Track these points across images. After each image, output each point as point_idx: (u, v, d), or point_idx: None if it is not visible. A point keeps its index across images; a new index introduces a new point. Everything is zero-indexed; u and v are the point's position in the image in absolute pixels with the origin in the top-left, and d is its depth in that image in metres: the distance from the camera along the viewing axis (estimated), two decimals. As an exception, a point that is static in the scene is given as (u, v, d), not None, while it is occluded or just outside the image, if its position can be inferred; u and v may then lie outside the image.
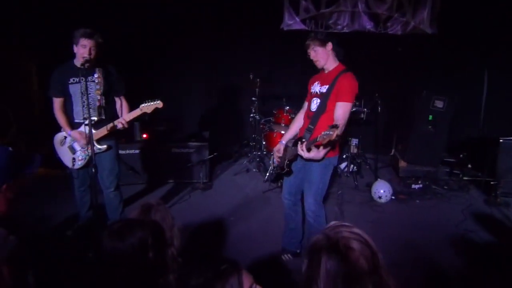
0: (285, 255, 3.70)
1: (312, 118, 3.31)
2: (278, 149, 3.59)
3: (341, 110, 3.15)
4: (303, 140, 3.18)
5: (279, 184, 5.57)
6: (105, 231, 1.71)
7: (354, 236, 1.40)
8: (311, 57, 3.31)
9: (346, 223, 1.48)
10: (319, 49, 3.25)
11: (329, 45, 3.26)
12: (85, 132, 3.63)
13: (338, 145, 3.34)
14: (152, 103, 3.65)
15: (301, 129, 3.52)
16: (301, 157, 3.14)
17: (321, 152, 3.05)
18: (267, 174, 5.86)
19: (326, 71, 3.35)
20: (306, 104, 3.55)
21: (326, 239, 1.40)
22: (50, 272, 2.98)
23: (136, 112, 3.71)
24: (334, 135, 2.64)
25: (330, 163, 3.31)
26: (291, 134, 3.62)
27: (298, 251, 3.73)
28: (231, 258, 3.59)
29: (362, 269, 1.34)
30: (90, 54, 3.51)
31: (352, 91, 3.18)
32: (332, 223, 1.50)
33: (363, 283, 1.33)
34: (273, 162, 3.79)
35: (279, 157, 3.60)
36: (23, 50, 6.59)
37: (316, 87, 3.36)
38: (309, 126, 3.30)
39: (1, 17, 5.92)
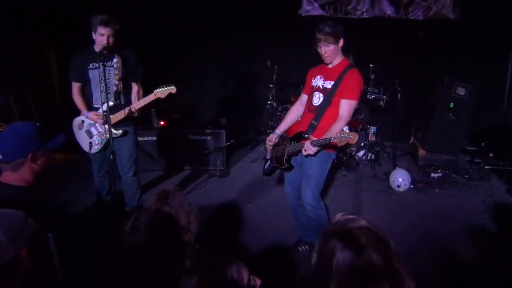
0: (302, 246, 3.67)
1: (316, 114, 3.23)
2: (271, 139, 3.49)
3: (347, 107, 3.11)
4: (306, 135, 3.13)
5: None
6: (121, 230, 1.72)
7: (364, 230, 1.35)
8: (322, 52, 3.17)
9: (353, 216, 1.43)
10: (332, 46, 3.12)
11: (341, 41, 3.17)
12: (102, 112, 3.64)
13: None
14: (166, 88, 3.65)
15: (300, 123, 3.44)
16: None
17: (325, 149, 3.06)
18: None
19: (331, 66, 3.26)
20: (304, 96, 3.47)
21: (336, 235, 1.35)
22: (69, 257, 3.02)
23: (150, 97, 3.71)
24: (355, 139, 2.67)
25: (329, 157, 3.27)
26: (286, 125, 3.54)
27: (313, 242, 3.69)
28: (245, 245, 3.61)
29: (376, 264, 1.29)
30: (108, 42, 3.53)
31: (359, 88, 3.15)
32: (338, 216, 1.45)
33: (378, 279, 1.30)
34: (267, 155, 3.65)
35: (272, 147, 3.52)
36: (42, 37, 6.65)
37: (319, 81, 3.28)
38: (312, 122, 3.22)
39: (17, 5, 5.97)
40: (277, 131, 3.51)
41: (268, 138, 3.54)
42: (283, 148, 3.39)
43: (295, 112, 3.55)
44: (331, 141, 2.79)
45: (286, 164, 3.36)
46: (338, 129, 2.99)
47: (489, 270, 3.37)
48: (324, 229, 1.44)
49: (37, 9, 6.24)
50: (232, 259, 1.70)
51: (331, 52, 3.14)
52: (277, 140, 3.47)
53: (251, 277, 1.84)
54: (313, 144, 2.96)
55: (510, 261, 3.44)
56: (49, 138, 2.11)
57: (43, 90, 6.74)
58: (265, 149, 6.38)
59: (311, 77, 3.40)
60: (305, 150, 3.02)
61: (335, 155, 3.37)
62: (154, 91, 3.68)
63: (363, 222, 1.38)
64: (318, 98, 3.25)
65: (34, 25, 6.39)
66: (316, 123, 3.20)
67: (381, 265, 1.29)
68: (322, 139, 2.93)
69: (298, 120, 3.56)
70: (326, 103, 3.18)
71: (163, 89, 3.66)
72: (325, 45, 3.11)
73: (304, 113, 3.43)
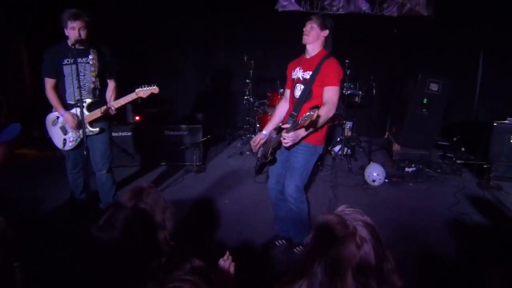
0: (279, 241, 3.67)
1: (296, 105, 3.27)
2: (255, 140, 3.45)
3: (330, 93, 3.14)
4: (286, 125, 3.13)
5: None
6: (93, 225, 1.68)
7: (370, 228, 1.39)
8: (304, 30, 3.23)
9: (360, 210, 1.47)
10: (316, 29, 3.19)
11: (326, 32, 3.23)
12: (77, 116, 3.56)
13: (324, 134, 3.34)
14: (148, 88, 3.58)
15: (285, 117, 3.44)
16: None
17: (301, 133, 3.06)
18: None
19: (308, 56, 3.31)
20: (287, 91, 3.51)
21: (342, 224, 1.38)
22: (41, 256, 2.96)
23: (132, 96, 3.62)
24: (315, 115, 2.64)
25: (316, 151, 3.30)
26: (273, 124, 3.50)
27: (291, 236, 3.68)
28: (222, 241, 3.60)
29: (370, 263, 1.34)
30: (80, 35, 3.44)
31: (338, 75, 3.18)
32: (344, 207, 1.49)
33: (369, 276, 1.33)
34: (258, 153, 3.60)
35: (258, 147, 3.50)
36: (13, 32, 6.46)
37: (299, 73, 3.31)
38: (292, 112, 3.25)
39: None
40: (264, 132, 3.49)
41: (252, 140, 3.50)
42: (268, 143, 3.43)
43: (281, 109, 3.54)
44: (298, 124, 2.84)
45: (270, 157, 3.36)
46: (323, 115, 2.98)
47: (462, 261, 3.45)
48: (327, 213, 1.46)
49: (6, 4, 6.05)
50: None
51: (312, 32, 3.21)
52: (263, 140, 3.46)
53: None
54: (287, 131, 3.00)
55: (482, 252, 3.54)
56: (1, 129, 2.01)
57: (13, 83, 6.56)
58: (242, 144, 6.41)
59: (291, 70, 3.43)
60: (283, 139, 3.04)
61: (322, 148, 3.39)
62: (136, 90, 3.59)
63: (367, 218, 1.43)
64: (299, 90, 3.28)
65: (2, 17, 6.19)
66: (296, 113, 3.22)
67: (373, 260, 1.33)
68: (292, 124, 2.98)
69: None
70: (305, 92, 3.22)
71: (145, 88, 3.57)
72: (311, 24, 3.21)
73: (289, 108, 3.44)
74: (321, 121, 3.00)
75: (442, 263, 3.44)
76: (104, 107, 3.63)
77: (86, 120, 3.54)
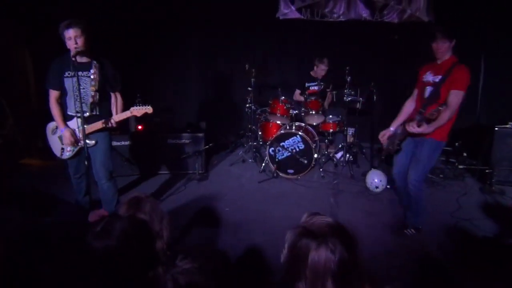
0: (408, 230, 3.99)
1: (424, 104, 3.61)
2: (383, 135, 3.98)
3: (455, 97, 3.46)
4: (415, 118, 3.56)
5: (275, 174, 5.60)
6: (89, 233, 1.71)
7: (338, 229, 1.41)
8: (435, 48, 3.61)
9: (319, 213, 1.52)
10: (447, 43, 3.55)
11: (453, 41, 3.58)
12: (76, 132, 3.76)
13: (447, 131, 3.67)
14: (143, 107, 3.76)
15: (411, 113, 3.84)
16: (412, 135, 3.64)
17: (430, 127, 3.46)
18: (263, 164, 5.86)
19: (439, 62, 3.67)
20: (415, 91, 3.93)
21: (310, 234, 1.41)
22: (45, 259, 3.00)
23: (126, 114, 3.80)
24: (440, 112, 3.29)
25: (439, 146, 3.71)
26: (399, 120, 3.94)
27: (420, 226, 4.01)
28: (223, 248, 3.62)
29: (349, 263, 1.37)
30: (76, 43, 3.50)
31: (466, 81, 3.50)
32: (306, 216, 1.54)
33: (350, 278, 1.36)
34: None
35: (386, 141, 3.99)
36: (19, 44, 6.56)
37: (429, 77, 3.70)
38: (420, 110, 3.59)
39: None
40: (391, 128, 3.97)
41: (380, 134, 4.03)
42: (394, 137, 3.94)
43: (408, 107, 3.96)
44: (426, 117, 3.41)
45: (397, 147, 3.90)
46: (445, 116, 3.41)
47: (464, 267, 3.44)
48: (293, 227, 1.49)
49: (12, 12, 6.15)
50: None
51: (444, 48, 3.58)
52: (390, 133, 3.96)
53: None
54: (417, 123, 3.47)
55: (484, 258, 3.53)
56: None
57: (19, 94, 6.66)
58: (244, 152, 6.44)
59: (422, 73, 3.83)
60: (412, 127, 3.49)
61: (445, 144, 3.78)
62: (131, 109, 3.77)
63: (328, 219, 1.48)
64: (428, 91, 3.67)
65: (8, 28, 6.29)
66: (423, 110, 3.54)
67: (348, 259, 1.36)
68: (419, 117, 3.48)
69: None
70: (434, 94, 3.58)
71: (139, 107, 3.76)
72: (440, 41, 3.57)
73: (416, 104, 3.85)
74: (445, 118, 3.43)
75: (442, 268, 3.43)
76: (104, 120, 3.73)
77: (86, 132, 3.64)
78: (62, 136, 3.80)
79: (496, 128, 5.30)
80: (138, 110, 3.74)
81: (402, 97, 6.73)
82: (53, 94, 3.75)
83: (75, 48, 3.49)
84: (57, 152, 3.94)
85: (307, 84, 6.49)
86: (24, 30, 6.42)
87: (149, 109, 3.76)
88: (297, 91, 6.61)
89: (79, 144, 3.79)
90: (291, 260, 1.44)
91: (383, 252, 3.63)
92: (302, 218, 1.53)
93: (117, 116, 3.82)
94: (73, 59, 3.45)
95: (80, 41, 3.52)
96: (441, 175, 5.69)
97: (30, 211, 4.21)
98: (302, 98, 6.13)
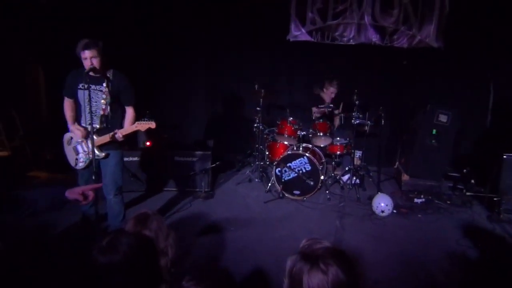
0: None
1: None
2: None
3: None
4: None
5: (281, 195, 5.58)
6: (94, 248, 1.71)
7: (330, 251, 1.44)
8: None
9: (318, 238, 1.53)
10: None
11: None
12: (83, 128, 3.91)
13: None
14: (146, 122, 3.79)
15: None
16: None
17: None
18: (269, 184, 5.86)
19: None
20: None
21: (304, 258, 1.44)
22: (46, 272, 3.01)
23: (132, 128, 3.86)
24: None
25: None
26: None
27: None
28: (227, 268, 3.60)
29: (342, 281, 1.38)
30: (92, 63, 3.61)
31: None
32: (305, 241, 1.54)
33: None
34: None
35: None
36: (30, 56, 6.68)
37: None
38: None
39: (8, 24, 6.02)
40: None
41: None
42: None
43: None
44: None
45: None
46: None
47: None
48: (292, 255, 1.51)
49: (24, 26, 6.29)
50: None
51: None
52: None
53: None
54: None
55: (490, 287, 3.48)
56: None
57: (30, 107, 6.76)
58: (251, 171, 6.43)
59: None
60: None
61: None
62: (136, 123, 3.83)
63: (326, 243, 1.49)
64: None
65: (21, 42, 6.42)
66: None
67: (346, 282, 1.38)
68: None
69: None
70: None
71: (144, 122, 3.79)
72: None
73: None
74: None
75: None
76: (112, 133, 3.80)
77: (95, 144, 3.70)
78: (71, 130, 3.98)
79: (504, 156, 5.26)
80: (142, 125, 3.78)
81: (409, 121, 6.79)
82: (67, 101, 3.99)
83: (89, 67, 3.61)
84: (72, 162, 4.09)
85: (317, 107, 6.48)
86: (37, 45, 6.54)
87: (152, 124, 3.77)
88: (314, 109, 6.55)
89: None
90: (290, 285, 1.46)
91: (386, 278, 3.59)
92: (300, 245, 1.55)
93: (123, 129, 3.88)
94: (87, 73, 3.56)
95: (95, 61, 3.66)
96: (448, 202, 5.63)
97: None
98: (320, 110, 6.23)
